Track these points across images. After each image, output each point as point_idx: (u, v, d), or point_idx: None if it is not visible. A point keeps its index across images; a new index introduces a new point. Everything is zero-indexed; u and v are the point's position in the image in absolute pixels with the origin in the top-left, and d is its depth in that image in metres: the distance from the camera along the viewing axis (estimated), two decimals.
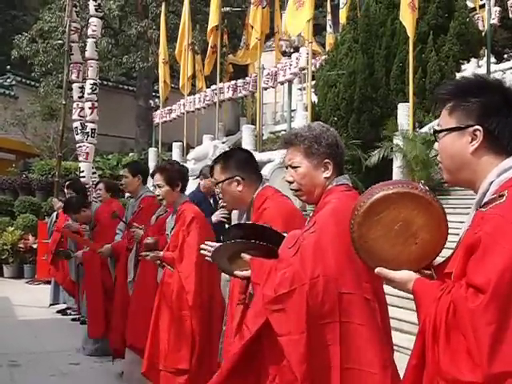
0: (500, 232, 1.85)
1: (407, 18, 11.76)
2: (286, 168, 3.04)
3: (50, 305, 10.24)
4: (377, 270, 2.12)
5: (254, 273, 2.80)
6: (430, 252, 2.12)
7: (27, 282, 13.84)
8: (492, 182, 2.03)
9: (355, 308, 2.59)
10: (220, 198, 4.30)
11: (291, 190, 3.04)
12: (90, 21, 13.58)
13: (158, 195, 5.08)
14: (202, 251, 3.43)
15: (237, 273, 2.94)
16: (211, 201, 7.25)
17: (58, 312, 9.94)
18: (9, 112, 20.80)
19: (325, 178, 2.95)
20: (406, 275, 2.09)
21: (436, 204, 2.09)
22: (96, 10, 13.46)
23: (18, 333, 8.53)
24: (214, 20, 18.07)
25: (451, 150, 2.12)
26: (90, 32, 13.49)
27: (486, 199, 2.01)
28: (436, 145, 2.25)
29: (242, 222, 3.74)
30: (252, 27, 15.72)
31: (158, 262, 4.94)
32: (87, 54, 13.41)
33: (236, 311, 3.09)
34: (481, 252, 1.86)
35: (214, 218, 6.59)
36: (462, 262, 1.94)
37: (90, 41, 13.45)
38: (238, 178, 3.52)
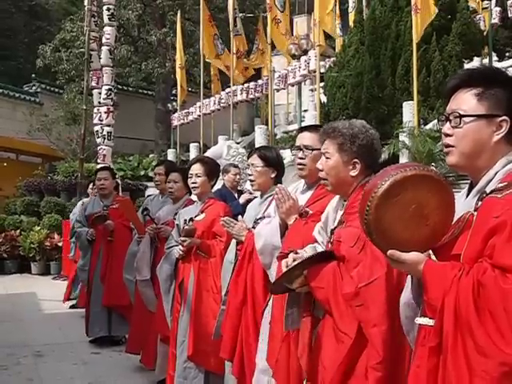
0: None
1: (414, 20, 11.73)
2: (323, 155, 3.03)
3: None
4: (389, 252, 2.07)
5: (312, 279, 2.79)
6: (439, 234, 2.08)
7: (53, 278, 13.99)
8: (497, 172, 2.06)
9: None
10: (251, 180, 4.30)
11: (320, 177, 3.06)
12: (104, 29, 13.75)
13: (195, 183, 5.07)
14: (222, 222, 3.98)
15: (300, 289, 2.91)
16: (235, 194, 7.74)
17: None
18: (34, 118, 21.00)
19: (352, 176, 2.95)
20: (417, 257, 2.05)
21: (448, 187, 2.07)
22: (109, 19, 13.63)
23: (44, 325, 8.67)
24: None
25: (476, 136, 2.09)
26: (104, 40, 13.67)
27: (490, 187, 2.03)
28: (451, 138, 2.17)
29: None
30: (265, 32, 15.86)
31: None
32: (102, 62, 13.60)
33: (304, 323, 3.02)
34: (508, 235, 1.86)
35: (241, 199, 7.15)
36: (479, 244, 1.94)
37: (104, 49, 13.62)
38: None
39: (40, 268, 14.85)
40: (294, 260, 2.87)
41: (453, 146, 2.15)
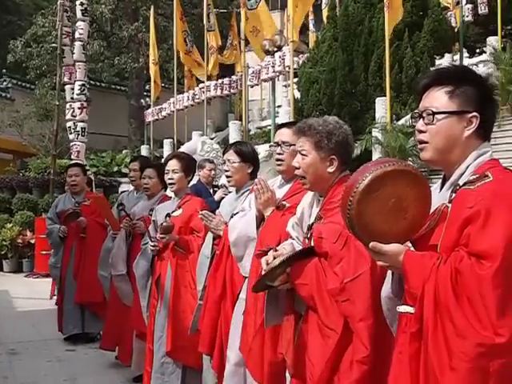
0: (497, 205, 1.97)
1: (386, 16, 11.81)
2: (296, 154, 3.06)
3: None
4: (372, 244, 2.13)
5: (296, 276, 2.82)
6: (417, 226, 2.15)
7: (26, 276, 13.82)
8: (469, 165, 2.16)
9: None
10: (228, 176, 4.29)
11: (297, 174, 3.08)
12: (77, 24, 13.69)
13: (172, 179, 5.03)
14: (200, 216, 4.04)
15: (282, 286, 2.93)
16: (211, 190, 7.80)
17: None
18: (5, 114, 20.72)
19: (329, 172, 2.98)
20: (397, 248, 2.13)
21: (425, 181, 2.14)
22: (83, 14, 13.57)
23: (17, 323, 8.55)
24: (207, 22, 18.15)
25: (449, 131, 2.18)
26: (77, 35, 13.58)
27: (463, 180, 2.14)
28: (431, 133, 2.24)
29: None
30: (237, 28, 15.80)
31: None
32: (75, 57, 13.52)
33: (288, 320, 3.04)
34: (482, 224, 1.97)
35: (217, 196, 7.18)
36: (455, 234, 2.04)
37: (77, 44, 13.54)
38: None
39: (12, 266, 14.65)
40: (275, 257, 2.88)
41: (427, 142, 2.23)
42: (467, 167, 2.16)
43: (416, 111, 2.32)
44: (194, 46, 19.64)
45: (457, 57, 15.70)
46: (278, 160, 3.64)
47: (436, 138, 2.20)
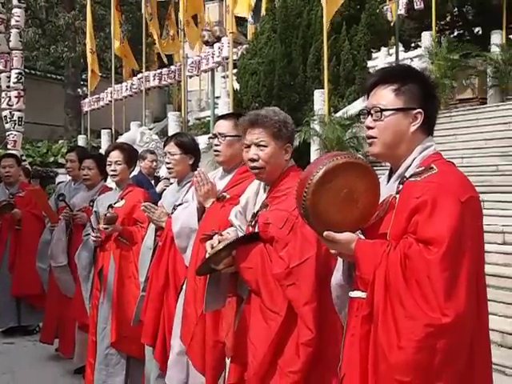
0: (443, 195, 2.10)
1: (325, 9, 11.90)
2: (247, 147, 3.08)
3: None
4: (325, 233, 2.22)
5: (241, 260, 2.87)
6: (367, 215, 2.26)
7: None
8: (415, 158, 2.29)
9: None
10: (169, 168, 4.32)
11: (252, 167, 3.07)
12: (13, 11, 13.29)
13: (114, 170, 4.97)
14: (143, 208, 4.13)
15: (226, 270, 2.98)
16: (152, 181, 7.75)
17: None
18: None
19: (285, 160, 3.07)
20: (350, 236, 2.23)
21: (373, 172, 2.25)
22: (19, 0, 13.18)
23: None
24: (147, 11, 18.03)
25: (396, 127, 2.30)
26: (13, 22, 13.19)
27: (409, 172, 2.27)
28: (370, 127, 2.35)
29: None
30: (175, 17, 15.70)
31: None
32: (11, 44, 13.12)
33: (229, 303, 3.08)
34: (429, 212, 2.09)
35: (158, 188, 7.12)
36: (403, 222, 2.16)
37: (13, 31, 13.15)
38: None
39: None
40: (220, 242, 2.93)
41: (375, 138, 2.34)
42: (413, 160, 2.28)
43: (364, 108, 2.42)
44: (125, 38, 19.53)
45: (392, 50, 15.99)
46: (215, 151, 3.71)
47: (384, 134, 2.31)
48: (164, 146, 4.49)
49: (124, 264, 4.81)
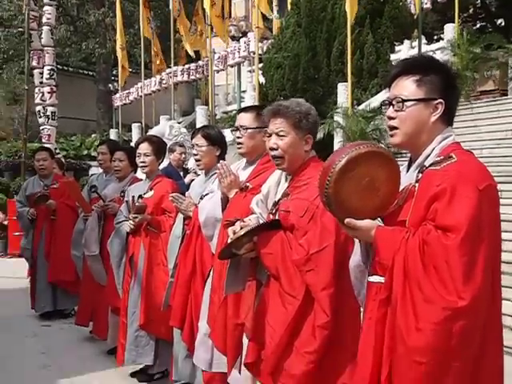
0: (462, 183, 2.15)
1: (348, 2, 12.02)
2: (269, 136, 3.14)
3: None
4: (347, 220, 2.30)
5: (262, 245, 2.99)
6: (387, 203, 2.32)
7: None
8: (434, 148, 2.33)
9: None
10: (197, 160, 4.45)
11: (273, 156, 3.15)
12: (44, 9, 13.59)
13: (144, 162, 5.14)
14: (171, 198, 4.25)
15: (247, 255, 3.10)
16: (181, 173, 7.87)
17: None
18: None
19: (305, 151, 3.12)
20: (370, 224, 2.30)
21: (395, 162, 2.31)
22: None
23: None
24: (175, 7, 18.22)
25: (418, 117, 2.34)
26: (44, 20, 13.50)
27: (429, 161, 2.31)
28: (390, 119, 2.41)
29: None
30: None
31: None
32: (43, 42, 13.44)
33: (249, 287, 3.22)
34: (448, 200, 2.14)
35: (187, 179, 7.27)
36: (422, 210, 2.21)
37: (45, 28, 13.48)
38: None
39: None
40: (242, 228, 3.06)
41: (397, 128, 2.39)
42: (433, 150, 2.34)
43: (386, 99, 2.47)
44: (155, 35, 19.81)
45: (415, 43, 15.95)
46: (238, 143, 3.82)
47: (406, 124, 2.36)
48: (191, 138, 4.60)
49: (153, 251, 5.00)
